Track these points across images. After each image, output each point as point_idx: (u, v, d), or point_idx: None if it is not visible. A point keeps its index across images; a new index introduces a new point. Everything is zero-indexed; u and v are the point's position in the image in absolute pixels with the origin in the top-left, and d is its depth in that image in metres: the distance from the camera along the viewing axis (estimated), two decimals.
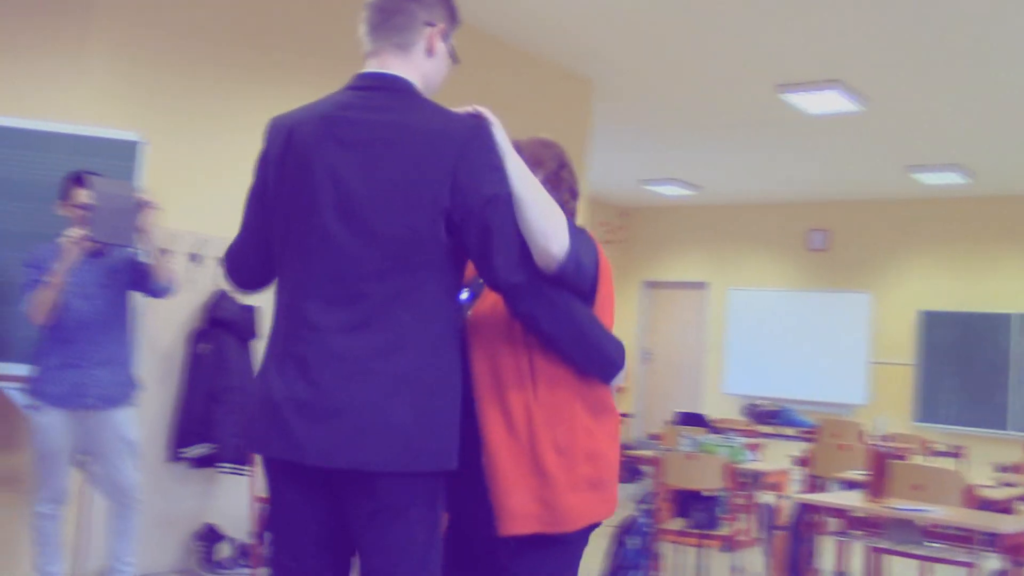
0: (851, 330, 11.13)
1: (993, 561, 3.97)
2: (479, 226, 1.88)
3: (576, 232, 1.98)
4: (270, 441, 1.90)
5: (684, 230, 12.79)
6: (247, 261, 2.12)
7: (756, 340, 11.68)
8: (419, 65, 2.03)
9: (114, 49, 4.74)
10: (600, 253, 2.07)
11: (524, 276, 1.90)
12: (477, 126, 1.94)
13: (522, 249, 1.90)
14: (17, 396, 4.05)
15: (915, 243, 11.17)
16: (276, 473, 1.97)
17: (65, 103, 4.58)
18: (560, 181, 2.25)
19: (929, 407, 10.73)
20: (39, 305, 3.72)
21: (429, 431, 1.87)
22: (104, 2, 4.68)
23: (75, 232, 3.68)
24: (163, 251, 4.05)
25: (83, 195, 3.76)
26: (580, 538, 2.07)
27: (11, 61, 4.73)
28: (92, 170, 3.92)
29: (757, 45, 6.55)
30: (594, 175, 9.59)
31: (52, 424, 3.79)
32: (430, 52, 2.04)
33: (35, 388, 3.81)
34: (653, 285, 13.15)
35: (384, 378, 1.85)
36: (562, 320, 1.96)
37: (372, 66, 2.03)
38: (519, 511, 1.96)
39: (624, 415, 10.90)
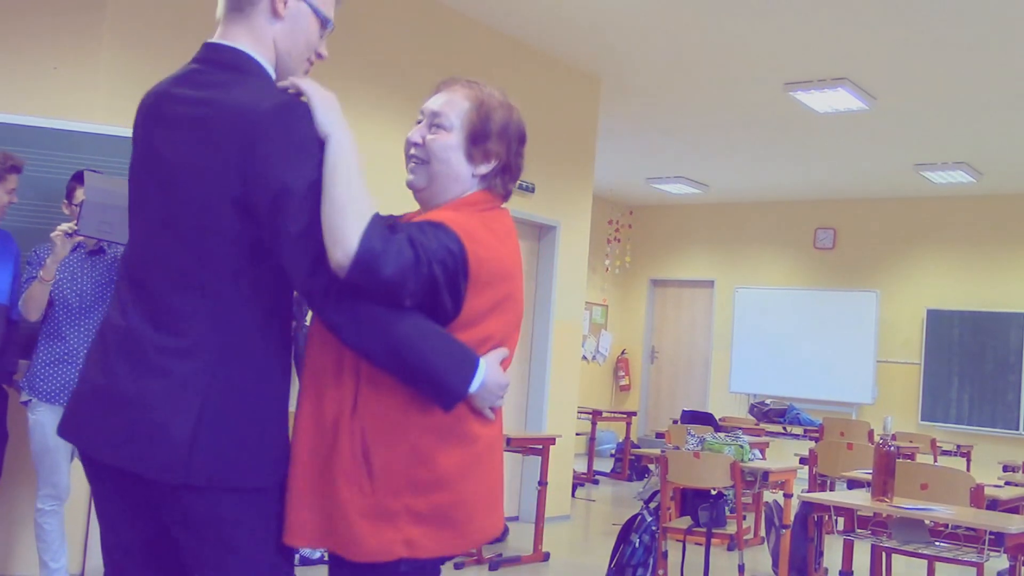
0: (858, 329, 11.11)
1: (1001, 561, 3.96)
2: (268, 222, 1.63)
3: (401, 231, 1.65)
4: (71, 429, 1.77)
5: (691, 228, 12.78)
6: None
7: (763, 339, 11.67)
8: (263, 31, 1.73)
9: (125, 48, 4.75)
10: (470, 254, 1.70)
11: (321, 281, 1.62)
12: (283, 104, 1.64)
13: (318, 249, 1.60)
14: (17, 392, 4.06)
15: (922, 241, 11.14)
16: (95, 470, 1.80)
17: (75, 101, 4.59)
18: (488, 153, 1.85)
19: (936, 406, 10.72)
20: (30, 301, 3.75)
21: (211, 444, 1.65)
22: (116, 2, 4.69)
23: (64, 226, 3.69)
24: None
25: (80, 192, 3.77)
26: (411, 570, 1.72)
27: (22, 59, 4.74)
28: (99, 168, 3.92)
29: (765, 43, 6.54)
30: (602, 173, 9.58)
31: (47, 420, 3.80)
32: (275, 13, 1.73)
33: (29, 383, 3.83)
34: (660, 283, 13.15)
35: (174, 380, 1.66)
36: (372, 334, 1.64)
37: (216, 35, 1.77)
38: (303, 523, 1.71)
39: (629, 413, 10.90)
